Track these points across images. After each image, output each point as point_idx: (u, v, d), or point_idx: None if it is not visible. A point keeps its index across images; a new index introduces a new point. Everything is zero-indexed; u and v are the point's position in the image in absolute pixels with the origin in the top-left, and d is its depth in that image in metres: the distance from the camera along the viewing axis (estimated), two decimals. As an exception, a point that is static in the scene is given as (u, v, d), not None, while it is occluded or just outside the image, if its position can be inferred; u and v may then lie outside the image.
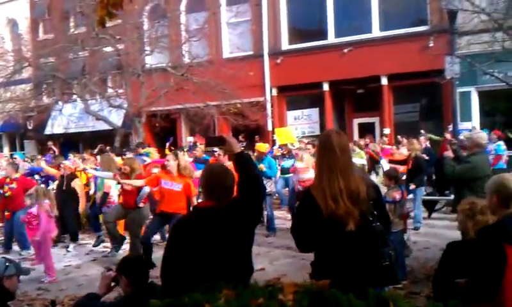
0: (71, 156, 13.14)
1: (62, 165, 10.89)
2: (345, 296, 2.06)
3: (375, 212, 3.37)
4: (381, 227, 3.37)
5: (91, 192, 11.17)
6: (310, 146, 10.52)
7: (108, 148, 18.21)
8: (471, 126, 15.71)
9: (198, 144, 15.31)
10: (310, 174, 9.76)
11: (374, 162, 13.10)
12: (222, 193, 3.30)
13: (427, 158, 13.97)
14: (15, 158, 16.73)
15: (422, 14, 17.39)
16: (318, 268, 3.41)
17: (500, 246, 3.05)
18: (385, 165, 11.52)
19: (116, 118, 20.80)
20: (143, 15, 20.65)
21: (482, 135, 6.64)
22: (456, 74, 12.21)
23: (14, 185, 10.25)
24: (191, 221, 3.40)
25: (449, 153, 6.88)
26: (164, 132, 19.68)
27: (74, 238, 10.67)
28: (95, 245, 10.28)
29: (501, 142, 13.26)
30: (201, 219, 3.27)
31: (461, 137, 13.62)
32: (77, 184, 10.68)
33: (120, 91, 20.64)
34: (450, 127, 13.58)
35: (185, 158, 9.16)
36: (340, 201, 3.27)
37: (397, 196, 7.04)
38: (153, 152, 13.50)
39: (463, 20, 13.08)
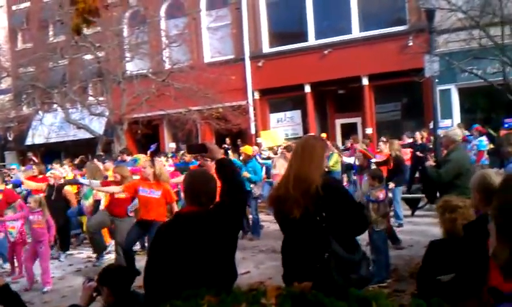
0: (54, 165, 12.97)
1: (51, 175, 10.71)
2: (327, 298, 2.05)
3: (323, 213, 3.34)
4: (327, 229, 3.34)
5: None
6: (285, 151, 10.47)
7: (91, 156, 18.05)
8: (451, 123, 15.90)
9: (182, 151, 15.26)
10: None
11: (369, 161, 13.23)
12: (204, 198, 3.29)
13: (421, 155, 14.18)
14: (13, 169, 16.50)
15: (401, 14, 17.55)
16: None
17: (485, 242, 3.05)
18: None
19: (98, 126, 20.64)
20: (122, 22, 20.54)
21: (457, 131, 6.74)
22: (435, 72, 12.27)
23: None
24: (172, 227, 3.37)
25: (430, 162, 7.02)
26: (146, 139, 19.57)
27: (65, 248, 10.52)
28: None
29: (483, 138, 13.42)
30: (183, 224, 3.25)
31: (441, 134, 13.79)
32: (68, 191, 10.55)
33: (101, 98, 20.51)
34: (431, 125, 13.69)
35: (161, 165, 9.02)
36: (284, 187, 3.43)
37: (381, 195, 7.08)
38: (142, 158, 13.41)
39: (440, 19, 13.19)
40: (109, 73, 19.25)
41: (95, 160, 13.27)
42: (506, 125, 13.21)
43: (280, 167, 10.24)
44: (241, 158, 10.43)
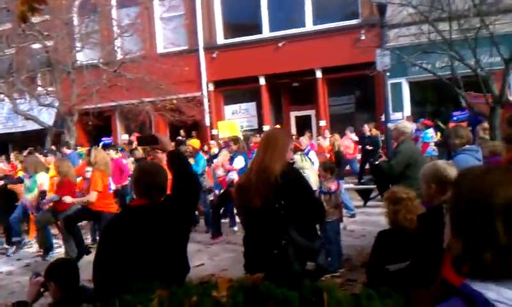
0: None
1: None
2: (279, 289, 2.03)
3: (282, 201, 3.40)
4: (286, 217, 3.41)
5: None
6: (231, 143, 10.47)
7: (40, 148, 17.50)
8: (402, 116, 16.28)
9: (134, 143, 14.97)
10: (221, 172, 10.27)
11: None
12: (154, 191, 3.24)
13: (371, 148, 14.54)
14: None
15: (354, 8, 17.78)
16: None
17: (439, 233, 3.06)
18: (314, 157, 11.84)
19: (47, 117, 20.01)
20: (72, 10, 19.93)
21: (406, 124, 6.93)
22: (386, 66, 12.55)
23: None
24: (121, 221, 3.31)
25: (383, 158, 7.22)
26: (98, 131, 19.13)
27: (15, 242, 10.17)
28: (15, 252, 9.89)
29: (429, 130, 13.80)
30: (132, 218, 3.20)
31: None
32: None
33: (50, 89, 19.83)
34: (383, 117, 13.99)
35: (99, 153, 8.73)
36: (247, 177, 3.57)
37: (333, 186, 7.17)
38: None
39: (392, 13, 13.45)
40: (58, 63, 18.66)
41: (36, 153, 12.84)
42: (455, 118, 13.65)
43: (222, 158, 10.40)
44: (188, 150, 10.33)
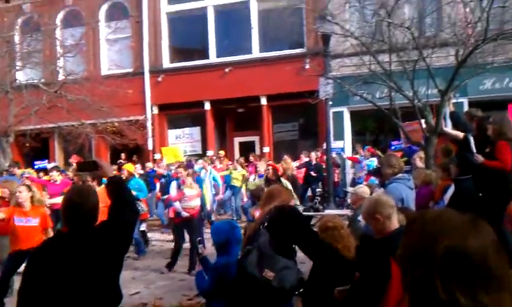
0: None
1: None
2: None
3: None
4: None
5: None
6: (181, 169, 10.16)
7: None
8: (343, 144, 16.61)
9: (73, 164, 14.53)
10: (197, 202, 9.54)
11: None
12: (80, 218, 3.11)
13: (315, 174, 14.73)
14: None
15: (299, 37, 18.08)
16: None
17: (386, 260, 3.02)
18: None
19: (-19, 138, 19.13)
20: (14, 28, 19.34)
21: (365, 189, 6.92)
22: (329, 95, 12.82)
23: None
24: (44, 251, 3.17)
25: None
26: (35, 153, 18.45)
27: None
28: None
29: (374, 159, 14.11)
30: (54, 247, 3.09)
31: (333, 155, 14.41)
32: None
33: (-14, 108, 19.02)
34: (324, 145, 14.21)
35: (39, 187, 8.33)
36: None
37: (257, 213, 6.97)
38: (33, 173, 12.62)
39: (335, 44, 13.80)
40: (-4, 81, 17.96)
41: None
42: (393, 147, 14.02)
43: (174, 189, 9.66)
44: (124, 174, 10.06)
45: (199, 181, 11.71)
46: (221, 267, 4.04)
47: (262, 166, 13.55)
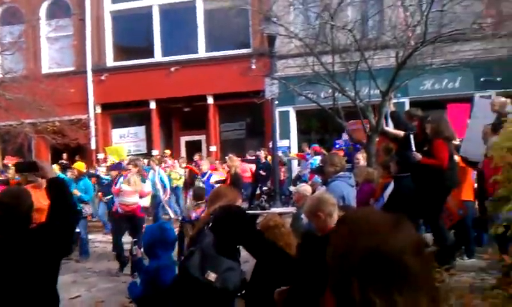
0: None
1: None
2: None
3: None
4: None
5: None
6: (131, 166, 10.01)
7: None
8: (289, 143, 16.79)
9: (9, 165, 13.97)
10: (135, 199, 9.23)
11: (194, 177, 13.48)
12: (14, 221, 3.03)
13: (264, 173, 14.80)
14: None
15: (245, 37, 18.13)
16: None
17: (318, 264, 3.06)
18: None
19: None
20: None
21: (307, 188, 7.01)
22: (274, 94, 12.92)
23: None
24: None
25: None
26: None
27: None
28: None
29: (317, 158, 14.31)
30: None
31: (280, 154, 14.52)
32: None
33: None
34: (271, 144, 14.31)
35: None
36: None
37: (193, 214, 6.91)
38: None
39: (280, 45, 13.93)
40: None
41: None
42: (337, 146, 14.28)
43: (136, 185, 9.37)
44: (74, 173, 9.81)
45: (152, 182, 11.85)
46: (152, 271, 3.95)
47: (205, 165, 13.55)
